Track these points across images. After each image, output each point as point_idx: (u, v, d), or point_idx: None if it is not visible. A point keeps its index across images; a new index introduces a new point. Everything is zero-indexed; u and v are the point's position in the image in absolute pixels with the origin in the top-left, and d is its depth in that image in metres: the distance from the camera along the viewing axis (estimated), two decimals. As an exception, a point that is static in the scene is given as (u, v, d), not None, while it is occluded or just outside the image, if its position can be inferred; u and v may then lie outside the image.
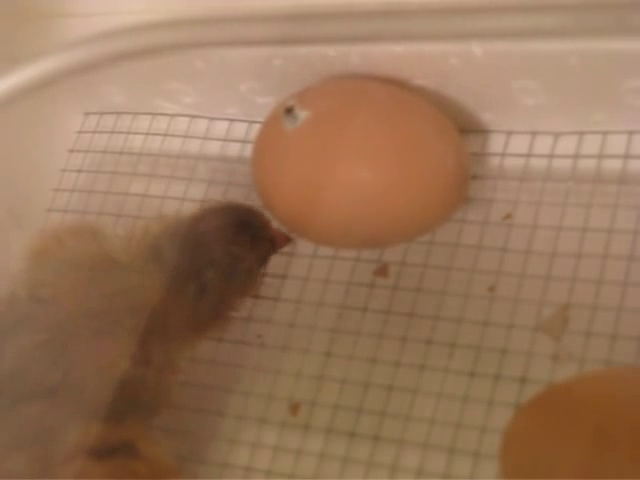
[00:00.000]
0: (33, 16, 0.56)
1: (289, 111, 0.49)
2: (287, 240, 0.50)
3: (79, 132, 0.61)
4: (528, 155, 0.51)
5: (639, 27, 0.40)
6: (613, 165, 0.49)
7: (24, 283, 0.46)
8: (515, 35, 0.44)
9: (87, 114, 0.61)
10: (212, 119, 0.58)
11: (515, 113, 0.51)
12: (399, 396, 0.47)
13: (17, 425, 0.43)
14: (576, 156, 0.50)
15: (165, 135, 0.59)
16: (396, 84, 0.50)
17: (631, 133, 0.49)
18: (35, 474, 0.42)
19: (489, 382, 0.46)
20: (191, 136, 0.58)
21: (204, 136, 0.58)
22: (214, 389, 0.51)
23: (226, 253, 0.47)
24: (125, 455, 0.43)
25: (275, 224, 0.50)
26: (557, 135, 0.51)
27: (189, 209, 0.51)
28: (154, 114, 0.59)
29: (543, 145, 0.51)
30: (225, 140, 0.57)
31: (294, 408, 0.49)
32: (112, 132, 0.60)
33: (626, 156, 0.49)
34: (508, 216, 0.50)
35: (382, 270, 0.51)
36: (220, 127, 0.58)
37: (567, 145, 0.50)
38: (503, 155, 0.52)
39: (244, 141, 0.56)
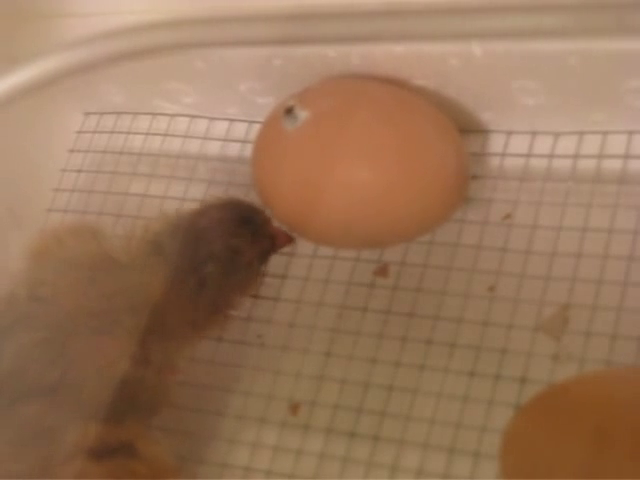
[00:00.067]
0: (33, 16, 0.56)
1: (289, 111, 0.49)
2: (289, 239, 0.50)
3: (79, 132, 0.61)
4: (528, 155, 0.51)
5: (639, 27, 0.40)
6: (613, 165, 0.49)
7: (24, 282, 0.46)
8: (515, 35, 0.44)
9: (87, 114, 0.61)
10: (212, 119, 0.58)
11: (515, 113, 0.51)
12: (399, 396, 0.47)
13: (16, 425, 0.43)
14: (576, 156, 0.50)
15: (165, 135, 0.59)
16: (396, 84, 0.50)
17: (631, 133, 0.49)
18: (34, 474, 0.42)
19: (489, 382, 0.46)
20: (191, 136, 0.58)
21: (204, 136, 0.58)
22: (214, 389, 0.51)
23: (226, 246, 0.47)
24: (125, 455, 0.43)
25: (276, 223, 0.50)
26: (557, 135, 0.51)
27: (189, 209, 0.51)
28: (154, 114, 0.59)
29: (543, 145, 0.51)
30: (225, 140, 0.57)
31: (294, 408, 0.49)
32: (112, 132, 0.60)
33: (626, 156, 0.49)
34: (508, 216, 0.50)
35: (382, 270, 0.51)
36: (220, 127, 0.58)
37: (567, 145, 0.50)
38: (503, 155, 0.52)
39: (244, 141, 0.56)
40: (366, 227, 0.49)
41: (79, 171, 0.59)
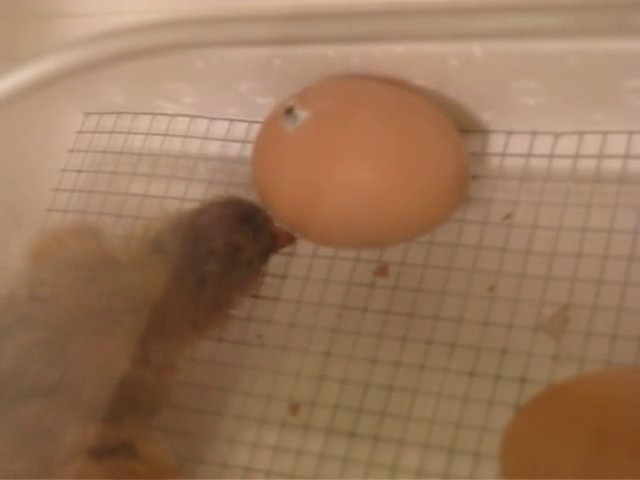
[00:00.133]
0: (33, 16, 0.56)
1: (289, 111, 0.49)
2: (290, 239, 0.50)
3: (79, 132, 0.61)
4: (528, 155, 0.51)
5: (639, 27, 0.40)
6: (613, 165, 0.49)
7: (24, 282, 0.46)
8: (515, 35, 0.44)
9: (87, 114, 0.61)
10: (212, 119, 0.58)
11: (515, 113, 0.51)
12: (399, 396, 0.47)
13: (16, 424, 0.43)
14: (576, 156, 0.50)
15: (165, 135, 0.59)
16: (396, 84, 0.50)
17: (631, 133, 0.49)
18: (34, 474, 0.42)
19: (489, 382, 0.46)
20: (191, 136, 0.58)
21: (204, 136, 0.58)
22: (214, 389, 0.51)
23: (227, 243, 0.47)
24: (124, 455, 0.43)
25: (277, 223, 0.50)
26: (557, 135, 0.51)
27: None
28: (154, 114, 0.59)
29: (543, 145, 0.51)
30: (225, 140, 0.57)
31: (294, 408, 0.49)
32: (112, 132, 0.60)
33: (626, 156, 0.49)
34: (508, 216, 0.50)
35: (382, 270, 0.51)
36: (220, 127, 0.58)
37: (567, 145, 0.50)
38: (503, 155, 0.52)
39: (244, 141, 0.56)
40: (366, 227, 0.49)
41: (79, 171, 0.59)
